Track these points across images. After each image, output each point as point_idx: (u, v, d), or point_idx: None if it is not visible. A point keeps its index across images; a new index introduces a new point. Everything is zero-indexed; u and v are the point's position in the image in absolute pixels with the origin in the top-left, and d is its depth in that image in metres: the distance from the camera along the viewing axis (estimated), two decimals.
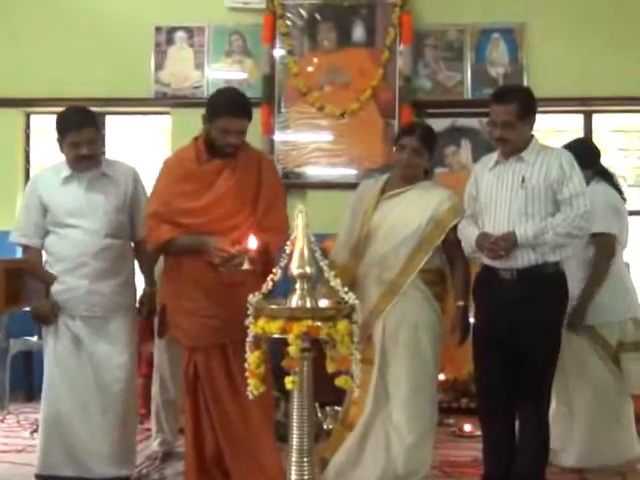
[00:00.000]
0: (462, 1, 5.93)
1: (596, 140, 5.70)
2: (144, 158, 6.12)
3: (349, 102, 5.94)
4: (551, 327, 3.63)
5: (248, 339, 2.76)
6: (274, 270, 2.80)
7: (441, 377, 4.83)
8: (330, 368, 2.76)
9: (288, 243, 2.79)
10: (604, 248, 4.16)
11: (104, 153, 5.81)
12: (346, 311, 2.73)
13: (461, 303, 3.78)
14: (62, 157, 3.89)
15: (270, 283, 2.80)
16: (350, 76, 5.99)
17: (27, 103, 6.32)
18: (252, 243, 3.06)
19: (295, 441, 2.75)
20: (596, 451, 4.20)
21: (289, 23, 6.02)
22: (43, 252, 3.92)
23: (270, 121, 5.95)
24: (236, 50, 6.13)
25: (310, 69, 6.04)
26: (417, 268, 3.75)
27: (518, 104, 3.58)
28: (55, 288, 3.63)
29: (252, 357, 2.76)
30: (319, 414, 4.85)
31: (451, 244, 3.79)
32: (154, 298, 4.02)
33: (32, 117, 6.48)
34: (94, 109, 4.03)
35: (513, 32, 5.92)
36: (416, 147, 3.80)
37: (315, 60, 6.04)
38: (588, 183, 4.10)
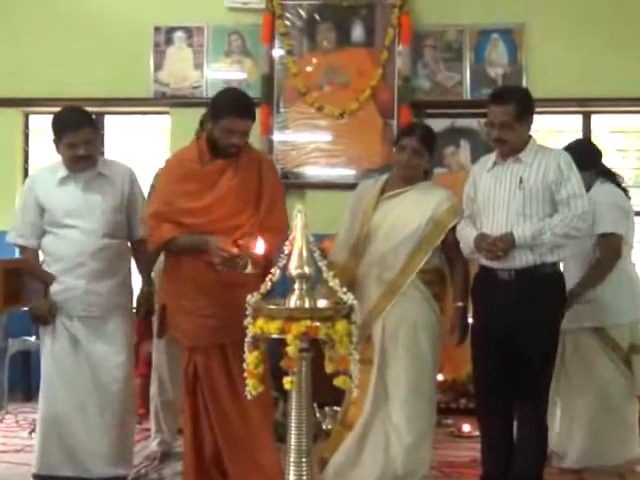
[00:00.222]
0: (461, 2, 5.93)
1: (595, 141, 5.69)
2: (143, 158, 6.11)
3: (348, 102, 5.94)
4: (549, 327, 3.63)
5: (247, 339, 2.76)
6: (273, 270, 2.80)
7: (440, 377, 4.83)
8: (329, 368, 2.75)
9: (287, 243, 2.79)
10: (611, 249, 4.15)
11: (102, 153, 5.81)
12: (345, 311, 2.73)
13: (460, 304, 3.79)
14: (59, 157, 3.89)
15: (269, 283, 2.80)
16: (349, 76, 5.99)
17: (26, 103, 6.32)
18: (259, 247, 3.05)
19: (294, 441, 2.75)
20: (596, 452, 4.21)
21: (288, 23, 6.02)
22: (40, 252, 3.92)
23: (269, 121, 5.95)
24: (235, 50, 6.13)
25: (309, 69, 6.04)
26: (417, 268, 3.75)
27: (516, 105, 3.58)
28: (53, 288, 3.64)
29: (251, 357, 2.76)
30: (318, 414, 4.86)
31: (450, 245, 3.79)
32: (152, 298, 4.03)
33: (31, 117, 6.48)
34: (93, 109, 4.05)
35: (512, 33, 5.92)
36: (416, 148, 3.80)
37: (314, 60, 6.04)
38: (590, 184, 4.11)
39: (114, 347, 3.87)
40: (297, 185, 5.93)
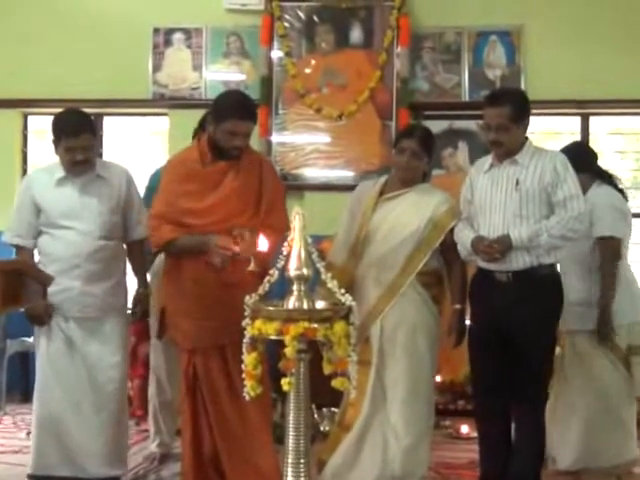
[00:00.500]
0: (460, 3, 5.93)
1: (593, 142, 5.71)
2: (141, 159, 6.11)
3: (347, 104, 5.95)
4: (546, 328, 3.64)
5: (245, 340, 2.76)
6: (271, 271, 2.81)
7: (438, 379, 4.84)
8: (327, 370, 2.76)
9: (285, 244, 2.79)
10: (610, 251, 4.16)
11: (100, 154, 5.82)
12: (343, 313, 2.73)
13: (458, 306, 3.79)
14: (57, 158, 3.89)
15: (267, 284, 2.80)
16: (348, 78, 5.99)
17: (25, 104, 6.31)
18: (262, 244, 3.04)
19: (291, 442, 2.75)
20: (594, 453, 4.21)
21: (287, 25, 6.02)
22: (36, 253, 3.92)
23: (268, 122, 5.95)
24: (234, 51, 6.13)
25: (308, 71, 6.04)
26: (415, 270, 3.76)
27: (512, 107, 3.59)
28: (49, 289, 3.63)
29: (249, 358, 2.77)
30: (316, 416, 4.86)
31: (448, 247, 3.79)
32: (147, 299, 4.04)
33: (30, 118, 6.48)
34: (92, 110, 4.05)
35: (510, 34, 5.92)
36: (416, 150, 3.80)
37: (313, 62, 6.04)
38: (587, 187, 4.12)
39: (109, 348, 3.87)
40: (296, 186, 5.92)
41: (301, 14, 6.02)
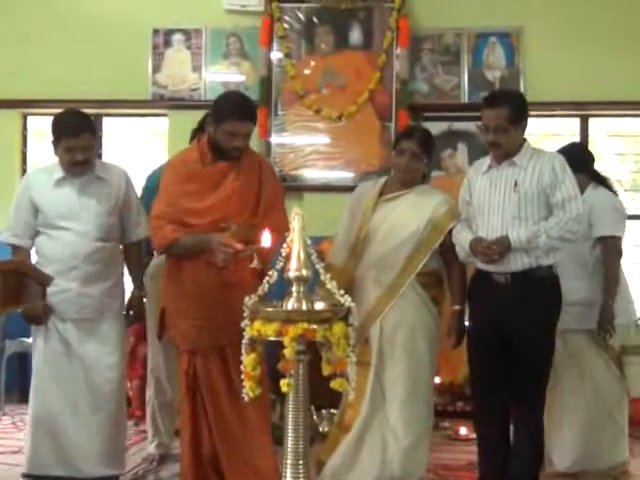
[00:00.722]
0: (459, 5, 5.93)
1: (592, 144, 5.72)
2: (141, 160, 6.11)
3: (346, 105, 5.95)
4: (545, 329, 3.64)
5: (244, 341, 2.76)
6: (270, 272, 2.81)
7: (437, 380, 4.83)
8: (326, 371, 2.76)
9: (284, 246, 2.79)
10: (613, 250, 4.20)
11: (100, 155, 5.81)
12: (342, 314, 2.73)
13: (457, 307, 3.80)
14: (57, 159, 3.89)
15: (266, 285, 2.80)
16: (347, 79, 5.99)
17: (24, 104, 6.31)
18: (266, 240, 3.01)
19: (290, 444, 2.75)
20: (592, 454, 4.21)
21: (286, 26, 6.02)
22: (33, 253, 3.92)
23: (267, 123, 5.95)
24: (233, 52, 6.13)
25: (307, 72, 6.04)
26: (415, 270, 3.76)
27: (510, 108, 3.59)
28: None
29: (248, 359, 2.77)
30: (315, 417, 4.86)
31: (448, 248, 3.80)
32: (142, 303, 4.04)
33: (29, 118, 6.48)
34: (91, 110, 4.05)
35: (510, 36, 5.92)
36: (415, 151, 3.80)
37: (312, 63, 6.04)
38: (583, 187, 4.13)
39: (107, 348, 3.87)
40: (295, 187, 5.92)
41: (301, 15, 6.02)
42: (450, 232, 3.78)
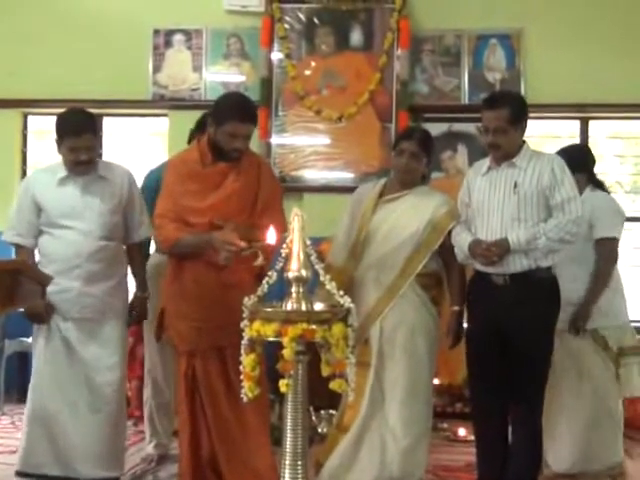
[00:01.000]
0: (460, 6, 5.94)
1: (592, 146, 5.70)
2: (141, 160, 6.11)
3: (346, 106, 5.95)
4: (544, 328, 3.65)
5: (243, 342, 2.76)
6: (270, 273, 2.81)
7: (435, 381, 4.84)
8: (325, 372, 2.76)
9: (284, 246, 2.79)
10: (610, 252, 4.21)
11: (100, 156, 5.81)
12: (342, 314, 2.73)
13: (456, 308, 3.80)
14: (59, 158, 3.89)
15: (266, 286, 2.80)
16: (347, 80, 5.99)
17: (25, 104, 6.31)
18: (271, 237, 2.96)
19: (289, 444, 2.75)
20: (590, 455, 4.21)
21: (287, 27, 6.02)
22: (36, 252, 3.91)
23: (267, 124, 5.96)
24: (234, 53, 6.13)
25: (308, 73, 6.05)
26: (415, 271, 3.76)
27: (510, 110, 3.60)
28: (48, 289, 3.61)
29: (247, 360, 2.76)
30: (314, 418, 4.85)
31: (447, 249, 3.80)
32: (145, 303, 4.03)
33: (29, 118, 6.48)
34: (92, 110, 4.03)
35: (510, 38, 5.93)
36: (415, 152, 3.81)
37: (313, 64, 6.04)
38: (582, 187, 4.15)
39: (108, 349, 3.86)
40: (295, 188, 5.92)
41: (301, 16, 6.03)
42: (450, 233, 3.78)
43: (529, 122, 3.74)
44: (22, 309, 3.75)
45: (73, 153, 3.74)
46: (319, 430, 4.81)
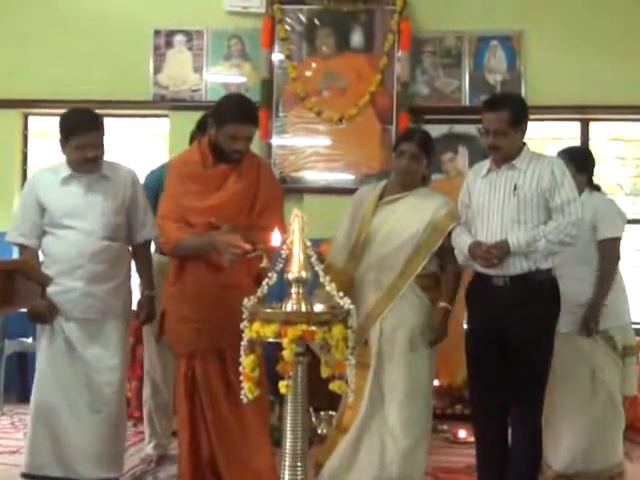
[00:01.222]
0: (461, 8, 5.94)
1: (593, 148, 5.71)
2: (142, 161, 6.11)
3: (347, 107, 5.95)
4: (544, 329, 3.64)
5: (243, 343, 2.76)
6: (269, 274, 2.81)
7: (435, 383, 4.83)
8: (324, 373, 2.76)
9: (284, 247, 2.79)
10: (614, 252, 4.23)
11: None
12: (341, 316, 2.73)
13: (443, 304, 3.77)
14: (60, 159, 3.88)
15: (265, 287, 2.80)
16: (348, 81, 6.00)
17: (25, 104, 6.32)
18: (276, 239, 2.94)
19: (289, 445, 2.75)
20: (593, 455, 4.22)
21: (288, 28, 6.03)
22: (40, 253, 3.91)
23: (268, 125, 5.96)
24: (235, 54, 6.14)
25: (308, 74, 6.05)
26: (415, 272, 3.76)
27: (510, 112, 3.60)
28: (51, 290, 3.61)
29: (247, 361, 2.76)
30: (313, 419, 4.86)
31: (446, 249, 3.79)
32: (152, 301, 4.01)
33: (30, 118, 6.49)
34: None
35: (511, 39, 5.93)
36: (415, 153, 3.81)
37: (313, 65, 6.05)
38: (582, 188, 4.18)
39: (109, 350, 3.84)
40: (295, 189, 5.93)
41: (302, 17, 6.03)
42: (450, 234, 3.78)
43: (530, 124, 3.75)
44: (24, 310, 3.75)
45: (80, 151, 3.73)
46: (319, 431, 4.81)
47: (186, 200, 3.59)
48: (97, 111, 3.92)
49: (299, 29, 6.05)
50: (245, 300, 2.78)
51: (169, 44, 6.16)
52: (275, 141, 6.02)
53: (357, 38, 6.01)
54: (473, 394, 3.88)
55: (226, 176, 3.63)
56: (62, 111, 3.93)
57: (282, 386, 2.71)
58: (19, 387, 5.87)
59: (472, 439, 4.06)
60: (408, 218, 3.81)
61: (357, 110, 5.94)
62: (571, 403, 4.21)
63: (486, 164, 3.77)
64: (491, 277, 3.63)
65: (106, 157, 3.89)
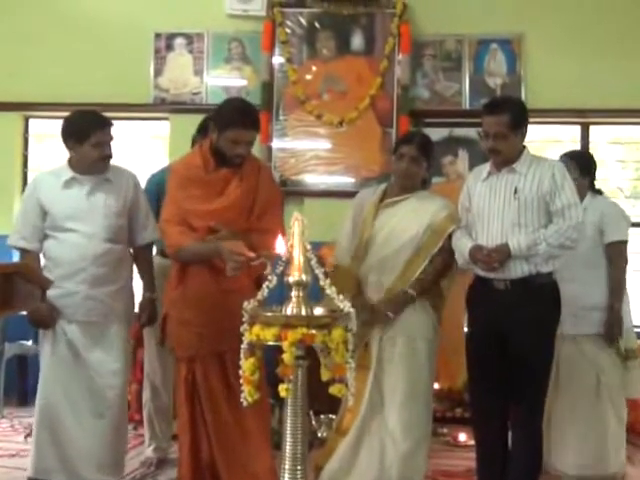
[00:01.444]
0: (461, 11, 5.95)
1: (593, 152, 5.72)
2: (142, 163, 6.11)
3: (347, 110, 5.96)
4: (544, 332, 3.65)
5: (243, 346, 2.76)
6: (270, 277, 2.80)
7: (435, 386, 4.83)
8: (324, 376, 2.75)
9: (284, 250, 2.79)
10: (621, 255, 4.29)
11: None
12: (341, 319, 2.73)
13: (410, 291, 3.74)
14: (61, 162, 3.89)
15: (266, 290, 2.80)
16: (348, 85, 6.00)
17: (26, 107, 6.32)
18: (280, 247, 2.90)
19: (288, 449, 2.74)
20: (598, 458, 4.23)
21: (288, 31, 6.03)
22: (41, 257, 3.90)
23: (268, 128, 5.96)
24: (235, 57, 6.14)
25: (309, 77, 6.06)
26: (414, 275, 3.76)
27: (510, 115, 3.60)
28: (53, 293, 3.61)
29: (247, 364, 2.76)
30: (313, 422, 4.85)
31: (446, 250, 3.78)
32: (154, 304, 4.01)
33: (31, 121, 6.49)
34: None
35: (511, 43, 5.94)
36: (414, 156, 3.81)
37: (314, 68, 6.05)
38: (585, 192, 4.23)
39: (112, 354, 3.84)
40: (295, 192, 5.93)
41: (302, 20, 6.04)
42: (449, 237, 3.78)
43: (530, 127, 3.75)
44: (25, 313, 3.74)
45: (99, 148, 3.74)
46: (319, 434, 4.80)
47: (188, 204, 3.59)
48: None
49: (299, 32, 6.05)
50: (245, 303, 2.77)
51: (170, 47, 6.17)
52: (275, 144, 6.02)
53: (357, 41, 6.02)
54: (473, 396, 3.88)
55: (228, 180, 3.63)
56: (63, 114, 3.94)
57: (282, 389, 2.71)
58: (19, 390, 5.87)
59: (472, 442, 4.05)
60: (408, 220, 3.81)
61: (357, 113, 5.94)
62: (576, 405, 4.22)
63: (486, 167, 3.77)
64: (492, 280, 3.63)
65: None
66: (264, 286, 2.79)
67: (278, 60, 6.05)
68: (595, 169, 4.48)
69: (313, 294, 2.80)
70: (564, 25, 5.88)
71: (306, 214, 2.87)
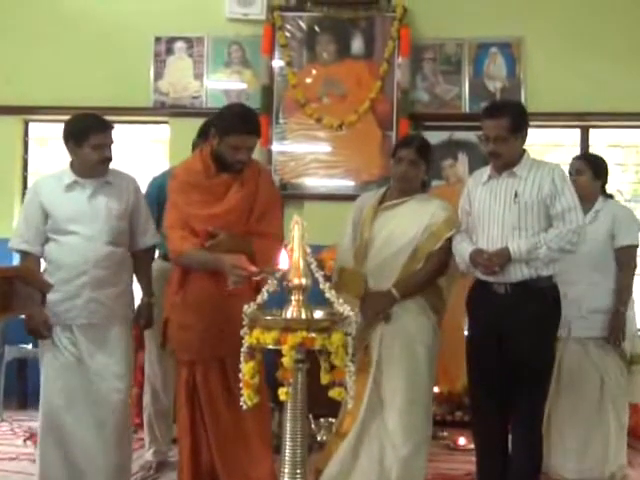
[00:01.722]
0: (461, 15, 5.95)
1: None
2: (142, 167, 6.11)
3: (347, 114, 5.96)
4: (545, 336, 3.65)
5: (243, 349, 2.76)
6: (269, 281, 2.81)
7: (435, 390, 4.83)
8: (324, 380, 2.76)
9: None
10: (632, 259, 4.32)
11: None
12: (341, 323, 2.73)
13: (394, 291, 3.73)
14: (61, 165, 3.88)
15: (265, 294, 2.80)
16: (348, 88, 6.01)
17: (26, 111, 6.32)
18: (284, 262, 2.89)
19: (288, 452, 2.74)
20: (598, 461, 4.24)
21: (288, 35, 6.04)
22: (42, 260, 3.90)
23: (268, 132, 5.96)
24: (235, 61, 6.15)
25: (309, 80, 6.06)
26: None
27: (510, 118, 3.60)
28: (55, 296, 3.59)
29: (247, 367, 2.76)
30: (313, 426, 4.84)
31: (444, 250, 3.77)
32: (151, 308, 4.01)
33: (31, 125, 6.48)
34: None
35: (511, 46, 5.94)
36: (413, 159, 3.82)
37: (314, 72, 6.06)
38: (597, 195, 4.33)
39: (114, 357, 3.81)
40: (295, 196, 5.94)
41: (302, 24, 6.04)
42: (447, 240, 3.77)
43: (530, 131, 3.76)
44: (23, 321, 3.73)
45: (99, 150, 3.74)
46: (318, 438, 4.80)
47: (189, 209, 3.60)
48: None
49: (299, 36, 6.06)
50: (245, 307, 2.78)
51: (170, 51, 6.18)
52: (275, 147, 6.02)
53: (357, 45, 6.02)
54: (473, 399, 3.88)
55: (228, 186, 3.63)
56: (63, 117, 3.94)
57: (282, 393, 2.71)
58: (19, 393, 5.87)
59: (472, 446, 4.05)
60: (407, 223, 3.81)
61: (357, 117, 5.95)
62: (578, 408, 4.23)
63: (486, 171, 3.77)
64: (492, 284, 3.64)
65: None
66: (264, 290, 2.79)
67: (278, 64, 6.06)
68: (607, 173, 4.49)
69: (313, 297, 2.81)
70: (564, 29, 5.88)
71: (306, 217, 2.87)
